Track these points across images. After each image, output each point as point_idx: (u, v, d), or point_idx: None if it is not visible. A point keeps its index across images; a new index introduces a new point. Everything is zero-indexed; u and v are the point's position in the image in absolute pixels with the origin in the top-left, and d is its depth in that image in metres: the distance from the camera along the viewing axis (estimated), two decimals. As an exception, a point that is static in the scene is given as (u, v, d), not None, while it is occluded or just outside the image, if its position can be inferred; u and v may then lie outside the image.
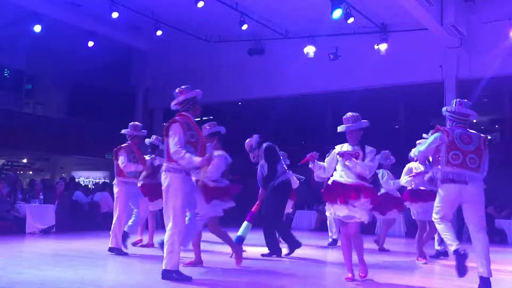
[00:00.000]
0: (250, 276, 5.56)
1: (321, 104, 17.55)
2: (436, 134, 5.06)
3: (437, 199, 5.05)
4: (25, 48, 14.50)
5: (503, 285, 5.73)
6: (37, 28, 12.73)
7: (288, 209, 8.33)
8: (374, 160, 5.31)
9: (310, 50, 13.31)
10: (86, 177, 18.80)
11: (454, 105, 5.35)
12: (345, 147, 5.40)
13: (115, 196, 7.17)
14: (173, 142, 4.90)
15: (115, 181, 7.18)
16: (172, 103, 5.41)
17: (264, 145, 7.21)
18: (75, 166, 18.80)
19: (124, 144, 7.25)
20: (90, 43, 14.08)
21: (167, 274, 4.83)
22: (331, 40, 13.27)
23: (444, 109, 5.42)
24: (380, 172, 8.07)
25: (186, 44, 14.93)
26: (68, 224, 10.77)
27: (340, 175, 5.27)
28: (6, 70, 17.35)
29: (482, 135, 5.19)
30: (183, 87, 5.43)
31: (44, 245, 8.25)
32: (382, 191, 8.20)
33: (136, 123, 7.52)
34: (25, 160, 19.07)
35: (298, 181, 7.83)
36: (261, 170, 7.36)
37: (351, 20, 11.36)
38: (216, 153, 5.76)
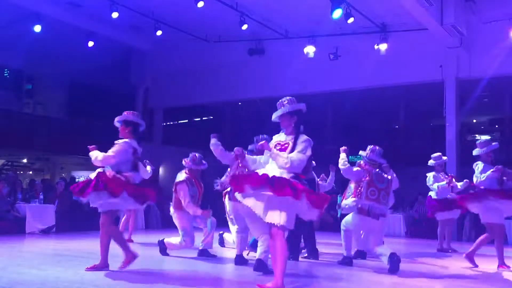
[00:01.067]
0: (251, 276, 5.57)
1: (321, 104, 17.55)
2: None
3: None
4: (25, 48, 14.50)
5: (503, 285, 5.73)
6: (37, 28, 12.73)
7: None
8: (305, 151, 4.56)
9: (310, 50, 13.31)
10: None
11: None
12: (282, 136, 4.81)
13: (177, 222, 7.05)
14: None
15: (172, 212, 7.08)
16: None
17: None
18: (75, 166, 18.78)
19: (183, 178, 7.02)
20: (90, 43, 14.08)
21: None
22: (331, 40, 13.27)
23: None
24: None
25: (186, 44, 14.93)
26: (68, 224, 10.76)
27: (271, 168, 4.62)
28: (6, 70, 17.34)
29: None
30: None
31: (44, 245, 8.25)
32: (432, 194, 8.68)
33: (196, 154, 7.24)
34: (25, 160, 19.06)
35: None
36: None
37: (351, 20, 11.36)
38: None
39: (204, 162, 7.24)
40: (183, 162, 7.19)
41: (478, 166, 6.58)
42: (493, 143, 6.61)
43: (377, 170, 6.35)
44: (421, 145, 17.54)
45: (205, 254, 6.92)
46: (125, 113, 5.78)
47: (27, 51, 14.84)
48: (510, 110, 17.54)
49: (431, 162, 8.74)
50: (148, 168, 7.59)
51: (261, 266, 5.53)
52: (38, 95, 18.23)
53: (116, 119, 5.66)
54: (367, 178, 6.19)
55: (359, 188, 6.19)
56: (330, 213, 12.06)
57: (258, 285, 4.49)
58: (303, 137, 4.64)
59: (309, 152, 4.59)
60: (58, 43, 14.55)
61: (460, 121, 13.33)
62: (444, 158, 8.89)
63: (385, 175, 6.38)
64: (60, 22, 13.28)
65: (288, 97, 4.81)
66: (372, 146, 6.51)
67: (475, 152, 6.64)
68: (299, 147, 4.56)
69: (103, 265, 5.47)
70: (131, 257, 5.50)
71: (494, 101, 17.36)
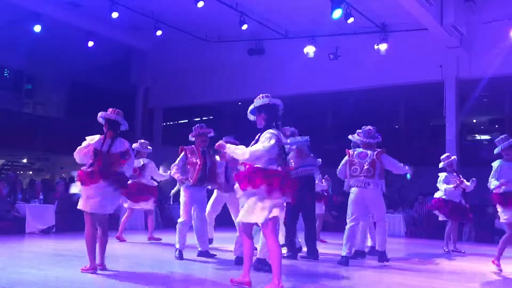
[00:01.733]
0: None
1: (321, 104, 17.56)
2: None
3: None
4: (25, 48, 14.51)
5: (503, 284, 5.73)
6: (37, 28, 12.73)
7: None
8: (265, 142, 4.47)
9: (310, 50, 13.31)
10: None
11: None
12: None
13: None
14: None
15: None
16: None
17: None
18: (75, 166, 18.75)
19: None
20: (90, 43, 14.08)
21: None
22: (331, 40, 13.27)
23: None
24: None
25: (186, 44, 14.93)
26: (68, 224, 10.75)
27: None
28: (6, 70, 17.34)
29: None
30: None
31: (44, 245, 8.25)
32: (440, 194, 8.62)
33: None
34: (25, 160, 19.06)
35: None
36: None
37: (351, 20, 11.36)
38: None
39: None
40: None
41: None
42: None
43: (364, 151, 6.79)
44: (421, 145, 17.57)
45: (204, 255, 6.92)
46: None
47: (27, 51, 14.86)
48: (510, 110, 17.55)
49: (441, 164, 8.63)
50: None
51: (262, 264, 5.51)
52: (38, 95, 18.24)
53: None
54: (347, 159, 6.83)
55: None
56: (330, 213, 12.07)
57: (231, 280, 4.65)
58: (267, 131, 4.58)
59: (269, 143, 4.44)
60: (58, 43, 14.56)
61: (460, 121, 13.34)
62: (453, 157, 8.72)
63: (370, 152, 6.73)
64: (60, 22, 13.29)
65: (263, 94, 4.84)
66: (359, 130, 6.90)
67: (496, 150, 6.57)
68: (260, 139, 4.53)
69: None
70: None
71: (494, 101, 17.36)
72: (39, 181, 12.58)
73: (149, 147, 9.02)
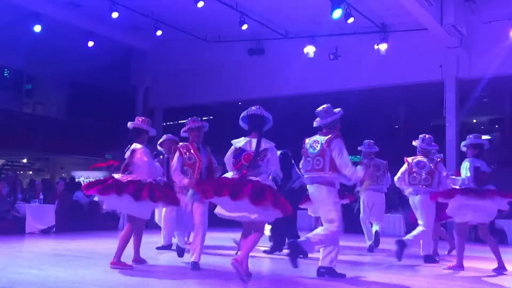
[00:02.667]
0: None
1: (321, 104, 17.52)
2: None
3: None
4: (25, 48, 14.50)
5: (504, 285, 5.73)
6: (37, 28, 12.72)
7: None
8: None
9: (310, 50, 13.31)
10: (86, 177, 18.81)
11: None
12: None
13: None
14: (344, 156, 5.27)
15: None
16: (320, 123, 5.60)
17: (279, 152, 7.27)
18: (75, 166, 18.79)
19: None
20: (90, 43, 14.07)
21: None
22: (331, 40, 13.27)
23: None
24: None
25: (186, 44, 14.93)
26: (68, 224, 10.76)
27: None
28: (6, 70, 17.34)
29: None
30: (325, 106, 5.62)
31: (44, 245, 8.25)
32: None
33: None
34: (25, 160, 19.07)
35: None
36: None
37: (351, 20, 11.36)
38: None
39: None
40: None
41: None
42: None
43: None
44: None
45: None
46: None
47: (27, 51, 14.85)
48: (510, 110, 17.55)
49: None
50: None
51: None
52: (38, 95, 18.24)
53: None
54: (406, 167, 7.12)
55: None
56: None
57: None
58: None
59: (227, 154, 5.18)
60: (58, 43, 14.56)
61: (460, 121, 13.33)
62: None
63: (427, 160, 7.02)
64: (60, 22, 13.28)
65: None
66: (422, 135, 7.24)
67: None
68: None
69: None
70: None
71: (494, 101, 17.36)
72: (39, 181, 12.59)
73: None
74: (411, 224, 12.44)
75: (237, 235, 7.14)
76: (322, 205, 5.41)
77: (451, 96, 12.61)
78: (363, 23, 12.39)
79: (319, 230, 5.45)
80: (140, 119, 6.05)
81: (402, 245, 6.35)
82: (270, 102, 16.45)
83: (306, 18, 12.75)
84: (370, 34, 12.78)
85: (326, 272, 5.31)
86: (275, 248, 7.34)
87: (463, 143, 6.66)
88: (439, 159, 7.04)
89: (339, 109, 5.63)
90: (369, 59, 12.96)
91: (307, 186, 5.56)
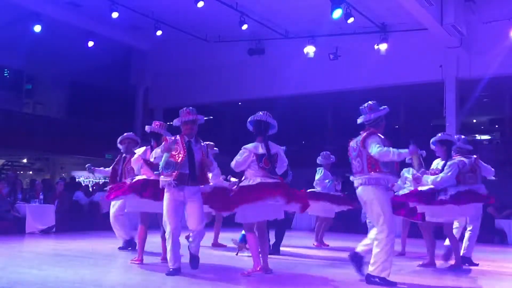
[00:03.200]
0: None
1: (321, 104, 17.55)
2: None
3: None
4: (25, 48, 14.49)
5: (504, 285, 5.73)
6: (37, 28, 12.73)
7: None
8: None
9: (310, 50, 13.32)
10: (86, 177, 18.81)
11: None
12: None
13: None
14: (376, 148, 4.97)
15: None
16: (364, 120, 5.30)
17: None
18: (75, 166, 18.78)
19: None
20: (90, 43, 14.08)
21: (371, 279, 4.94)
22: (331, 40, 13.27)
23: None
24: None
25: (186, 44, 14.94)
26: (68, 224, 10.75)
27: None
28: (6, 70, 17.34)
29: None
30: (370, 103, 5.30)
31: (44, 245, 8.24)
32: None
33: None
34: (25, 160, 19.05)
35: None
36: None
37: (351, 20, 11.37)
38: None
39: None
40: None
41: None
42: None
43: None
44: (421, 145, 17.55)
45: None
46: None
47: (27, 51, 14.84)
48: (510, 110, 17.54)
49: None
50: None
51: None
52: (38, 95, 18.23)
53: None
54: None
55: None
56: None
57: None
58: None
59: (243, 156, 5.37)
60: (58, 43, 14.56)
61: (460, 121, 13.33)
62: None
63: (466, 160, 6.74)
64: (60, 22, 13.29)
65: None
66: (457, 135, 6.97)
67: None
68: None
69: None
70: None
71: (494, 101, 17.35)
72: (39, 181, 12.57)
73: None
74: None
75: (236, 235, 7.19)
76: (369, 208, 5.10)
77: (451, 96, 12.61)
78: (363, 23, 12.40)
79: (371, 236, 5.19)
80: (157, 124, 6.20)
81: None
82: (270, 102, 16.47)
83: (306, 18, 12.75)
84: (370, 34, 12.79)
85: (378, 283, 4.93)
86: (274, 252, 7.26)
87: (432, 140, 6.59)
88: (475, 156, 6.95)
89: (385, 106, 5.32)
90: (369, 59, 12.96)
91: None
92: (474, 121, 18.94)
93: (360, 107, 5.37)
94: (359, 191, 5.13)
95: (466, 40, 11.96)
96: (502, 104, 17.51)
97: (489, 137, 18.38)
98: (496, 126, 18.90)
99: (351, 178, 5.29)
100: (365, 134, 5.17)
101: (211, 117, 20.65)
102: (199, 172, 5.30)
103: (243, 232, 6.97)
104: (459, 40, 11.79)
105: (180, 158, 5.17)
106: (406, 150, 4.93)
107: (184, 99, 16.50)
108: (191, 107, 5.55)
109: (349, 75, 13.61)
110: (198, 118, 5.49)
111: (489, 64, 11.74)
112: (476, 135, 18.73)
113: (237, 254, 7.09)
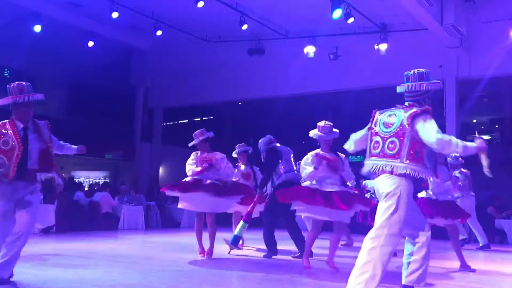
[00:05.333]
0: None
1: (321, 104, 17.55)
2: None
3: None
4: (25, 48, 14.47)
5: (504, 285, 5.73)
6: (37, 28, 12.73)
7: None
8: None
9: (310, 50, 13.32)
10: (86, 177, 18.81)
11: None
12: None
13: None
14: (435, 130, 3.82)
15: None
16: (409, 89, 4.31)
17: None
18: (75, 166, 18.78)
19: None
20: (90, 43, 14.08)
21: None
22: (331, 40, 13.27)
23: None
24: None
25: (186, 44, 14.93)
26: (68, 224, 10.76)
27: None
28: (6, 70, 17.33)
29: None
30: (422, 70, 4.34)
31: (44, 245, 8.25)
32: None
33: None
34: (25, 160, 19.03)
35: None
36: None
37: (351, 20, 11.37)
38: None
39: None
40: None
41: None
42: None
43: None
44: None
45: None
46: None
47: (27, 51, 14.82)
48: (510, 110, 17.53)
49: None
50: None
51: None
52: (38, 95, 18.21)
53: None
54: None
55: None
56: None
57: None
58: None
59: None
60: (58, 43, 14.55)
61: (460, 121, 13.33)
62: None
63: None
64: (60, 22, 13.28)
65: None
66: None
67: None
68: None
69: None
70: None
71: (494, 101, 17.35)
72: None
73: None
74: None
75: (228, 235, 7.24)
76: (385, 203, 3.89)
77: (451, 96, 12.61)
78: (363, 23, 12.40)
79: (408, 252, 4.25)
80: (197, 133, 7.04)
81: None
82: (270, 102, 16.51)
83: (306, 18, 12.75)
84: (370, 34, 12.78)
85: None
86: (272, 253, 7.26)
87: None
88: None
89: (438, 80, 4.36)
90: (369, 59, 12.96)
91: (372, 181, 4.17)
92: (474, 121, 18.92)
93: (405, 73, 4.43)
94: (381, 179, 3.93)
95: (466, 40, 11.96)
96: (502, 104, 17.50)
97: (489, 137, 18.36)
98: (496, 126, 18.89)
99: (366, 161, 4.14)
100: (417, 109, 4.05)
101: (211, 117, 20.66)
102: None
103: (235, 232, 7.03)
104: (459, 40, 11.79)
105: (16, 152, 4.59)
106: (474, 144, 3.93)
107: (184, 99, 16.53)
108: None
109: (349, 75, 13.61)
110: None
111: (489, 64, 11.73)
112: (476, 135, 18.72)
113: (229, 253, 7.14)
